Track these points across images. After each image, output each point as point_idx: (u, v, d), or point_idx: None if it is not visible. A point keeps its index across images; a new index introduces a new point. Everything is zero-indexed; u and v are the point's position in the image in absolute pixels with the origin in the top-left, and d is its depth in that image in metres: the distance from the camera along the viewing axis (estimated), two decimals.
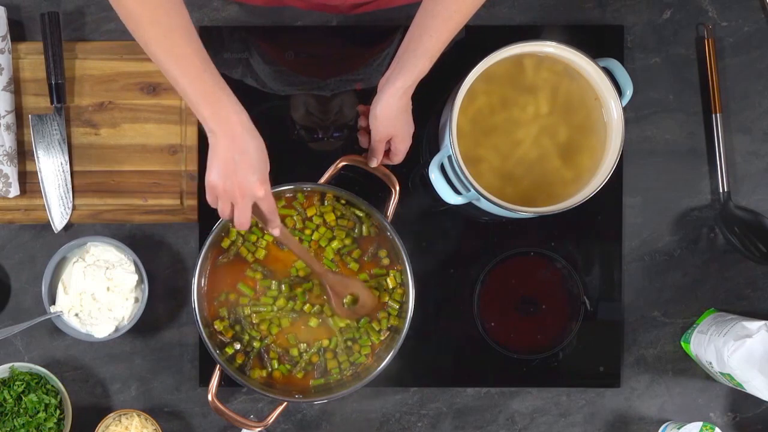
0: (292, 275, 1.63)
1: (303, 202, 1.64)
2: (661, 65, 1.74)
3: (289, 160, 1.68)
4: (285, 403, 1.62)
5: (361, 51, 1.73)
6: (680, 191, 1.74)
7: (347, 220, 1.65)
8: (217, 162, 1.40)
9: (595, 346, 1.72)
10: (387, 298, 1.64)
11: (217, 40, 1.70)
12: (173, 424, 1.71)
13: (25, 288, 1.71)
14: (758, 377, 1.57)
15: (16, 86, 1.69)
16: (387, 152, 1.60)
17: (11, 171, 1.68)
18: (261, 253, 1.63)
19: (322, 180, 1.63)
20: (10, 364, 1.66)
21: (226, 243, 1.63)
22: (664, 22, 1.74)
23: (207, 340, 1.60)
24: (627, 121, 1.58)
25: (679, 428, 1.65)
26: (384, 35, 1.72)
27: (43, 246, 1.71)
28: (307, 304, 1.62)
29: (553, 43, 1.58)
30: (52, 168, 1.69)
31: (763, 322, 1.59)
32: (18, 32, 1.70)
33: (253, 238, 1.63)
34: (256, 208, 1.45)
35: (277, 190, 1.61)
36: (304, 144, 1.71)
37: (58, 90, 1.68)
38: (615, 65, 1.60)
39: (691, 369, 1.74)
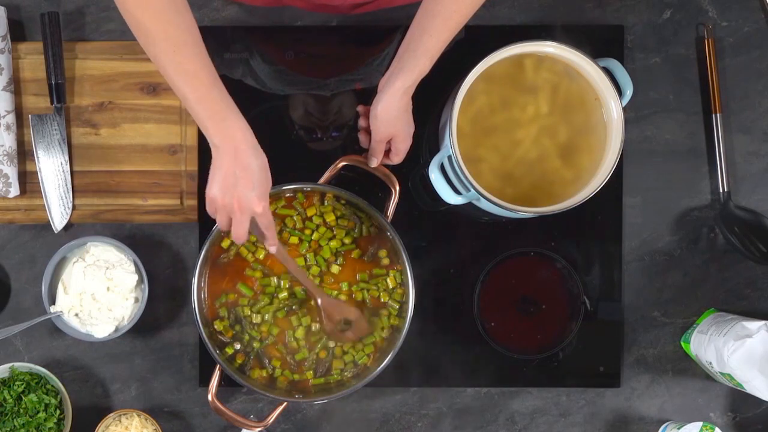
0: (291, 273, 1.63)
1: (303, 202, 1.64)
2: (661, 65, 1.74)
3: (289, 160, 1.68)
4: (285, 403, 1.62)
5: (361, 51, 1.73)
6: (680, 191, 1.74)
7: (347, 220, 1.65)
8: (219, 176, 1.42)
9: (595, 346, 1.73)
10: (387, 298, 1.64)
11: (216, 40, 1.70)
12: (173, 424, 1.71)
13: (25, 288, 1.71)
14: (758, 377, 1.57)
15: (16, 86, 1.69)
16: (387, 152, 1.60)
17: (11, 171, 1.68)
18: (261, 253, 1.63)
19: (322, 180, 1.63)
20: (10, 364, 1.66)
21: (226, 243, 1.63)
22: (664, 22, 1.74)
23: (207, 340, 1.60)
24: (627, 121, 1.58)
25: (679, 428, 1.65)
26: (384, 35, 1.72)
27: (43, 246, 1.71)
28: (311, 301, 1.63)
29: (553, 43, 1.58)
30: (52, 168, 1.69)
31: (763, 322, 1.59)
32: (18, 32, 1.70)
33: (253, 238, 1.63)
34: (254, 224, 1.46)
35: (277, 190, 1.61)
36: (303, 144, 1.71)
37: (58, 90, 1.68)
38: (615, 65, 1.60)
39: (691, 369, 1.74)
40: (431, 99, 1.67)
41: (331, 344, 1.63)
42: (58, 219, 1.69)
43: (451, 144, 1.54)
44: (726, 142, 1.71)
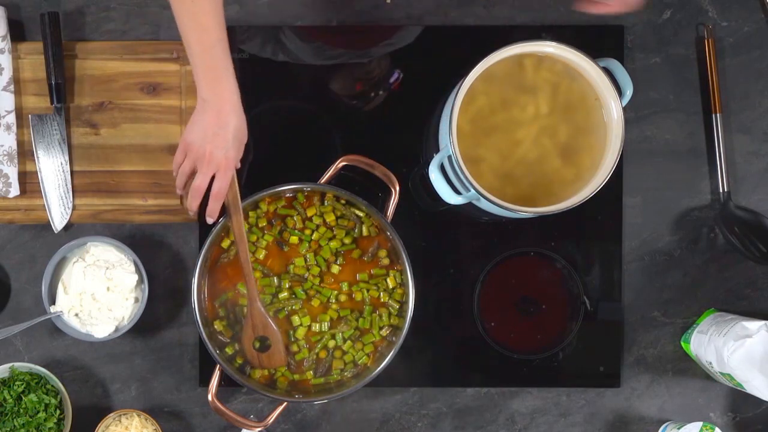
0: (291, 273, 1.63)
1: (303, 202, 1.64)
2: (661, 65, 1.74)
3: (289, 160, 1.68)
4: (285, 403, 1.62)
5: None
6: (680, 191, 1.74)
7: (347, 220, 1.65)
8: (200, 126, 1.51)
9: (595, 346, 1.72)
10: (387, 298, 1.64)
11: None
12: (173, 424, 1.71)
13: (25, 288, 1.71)
14: (758, 377, 1.57)
15: (16, 86, 1.69)
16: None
17: (11, 171, 1.68)
18: (261, 253, 1.63)
19: (322, 180, 1.63)
20: (10, 364, 1.66)
21: (226, 243, 1.63)
22: (664, 22, 1.74)
23: (207, 340, 1.60)
24: (627, 121, 1.58)
25: (679, 428, 1.65)
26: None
27: (43, 246, 1.71)
28: (314, 299, 1.63)
29: (553, 43, 1.58)
30: (52, 168, 1.69)
31: (763, 322, 1.59)
32: (18, 32, 1.70)
33: (253, 237, 1.63)
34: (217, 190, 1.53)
35: (277, 190, 1.61)
36: (304, 143, 1.71)
37: (58, 90, 1.68)
38: (615, 65, 1.60)
39: (691, 369, 1.73)
40: (431, 99, 1.67)
41: (331, 344, 1.63)
42: (58, 219, 1.69)
43: (451, 144, 1.54)
44: (726, 142, 1.71)
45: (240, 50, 1.71)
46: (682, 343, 1.72)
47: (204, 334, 1.61)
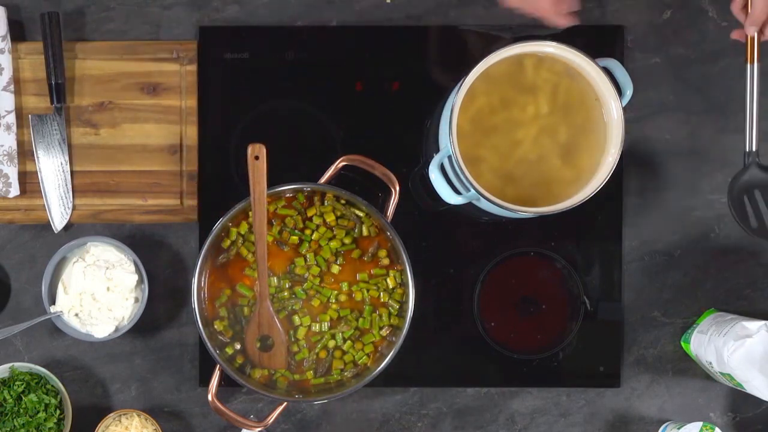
0: (291, 273, 1.63)
1: (303, 202, 1.64)
2: (661, 65, 1.74)
3: (289, 160, 1.68)
4: (285, 403, 1.62)
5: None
6: (680, 191, 1.74)
7: (347, 220, 1.65)
8: None
9: (595, 346, 1.73)
10: (387, 298, 1.64)
11: (217, 40, 1.70)
12: (173, 424, 1.71)
13: (25, 288, 1.71)
14: (758, 377, 1.57)
15: (16, 86, 1.69)
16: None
17: (11, 171, 1.68)
18: None
19: (322, 180, 1.63)
20: (10, 364, 1.66)
21: (226, 243, 1.63)
22: (664, 22, 1.74)
23: (207, 340, 1.60)
24: (627, 121, 1.58)
25: (679, 428, 1.65)
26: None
27: (43, 246, 1.71)
28: (314, 299, 1.63)
29: (553, 43, 1.58)
30: (52, 168, 1.69)
31: (763, 322, 1.59)
32: (18, 32, 1.70)
33: (253, 237, 1.63)
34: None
35: (277, 190, 1.61)
36: (304, 143, 1.72)
37: (58, 90, 1.68)
38: (615, 65, 1.60)
39: (691, 369, 1.73)
40: (431, 99, 1.67)
41: (331, 344, 1.63)
42: (58, 219, 1.69)
43: (451, 144, 1.54)
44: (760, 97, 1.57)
45: (240, 50, 1.71)
46: (682, 343, 1.72)
47: (204, 334, 1.61)
